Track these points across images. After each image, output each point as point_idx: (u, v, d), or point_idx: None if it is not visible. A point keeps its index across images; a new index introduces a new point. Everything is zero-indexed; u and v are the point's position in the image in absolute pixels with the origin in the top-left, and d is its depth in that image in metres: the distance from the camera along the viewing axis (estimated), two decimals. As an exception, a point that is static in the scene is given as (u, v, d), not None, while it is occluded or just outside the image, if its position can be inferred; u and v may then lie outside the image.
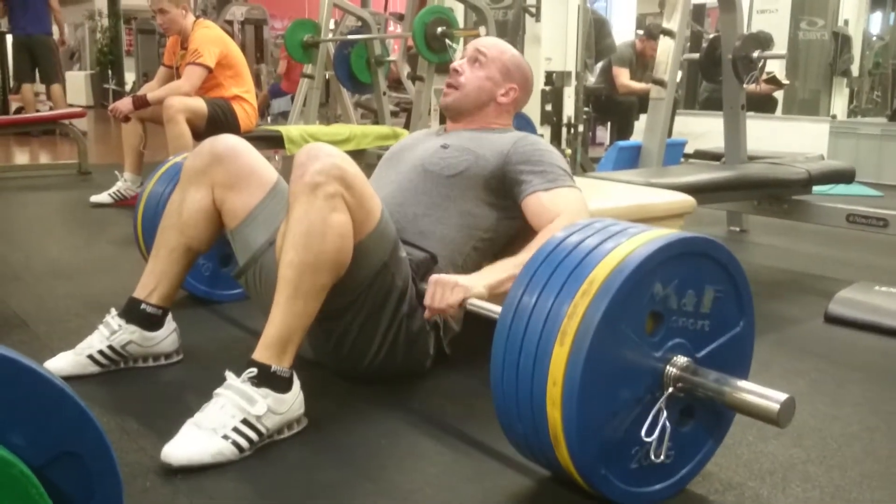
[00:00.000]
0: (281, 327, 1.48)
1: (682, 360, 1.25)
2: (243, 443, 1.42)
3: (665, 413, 1.23)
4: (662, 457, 1.24)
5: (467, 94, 1.99)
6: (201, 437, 1.40)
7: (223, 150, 1.80)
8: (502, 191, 1.85)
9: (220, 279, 2.39)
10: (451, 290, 1.60)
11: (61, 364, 1.73)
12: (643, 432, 1.22)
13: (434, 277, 1.64)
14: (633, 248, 1.20)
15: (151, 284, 1.80)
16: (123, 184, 4.16)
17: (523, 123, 3.64)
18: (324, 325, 1.63)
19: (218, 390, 1.46)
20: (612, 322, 1.16)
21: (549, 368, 1.17)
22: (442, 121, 5.27)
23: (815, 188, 3.25)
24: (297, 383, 1.52)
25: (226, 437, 1.40)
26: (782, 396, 1.18)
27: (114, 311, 1.80)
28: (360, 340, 1.69)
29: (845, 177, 3.36)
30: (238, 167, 1.79)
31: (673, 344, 1.26)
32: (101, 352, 1.76)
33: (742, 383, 1.23)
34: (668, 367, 1.25)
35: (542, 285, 1.23)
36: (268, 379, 1.46)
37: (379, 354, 1.71)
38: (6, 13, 7.18)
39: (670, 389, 1.24)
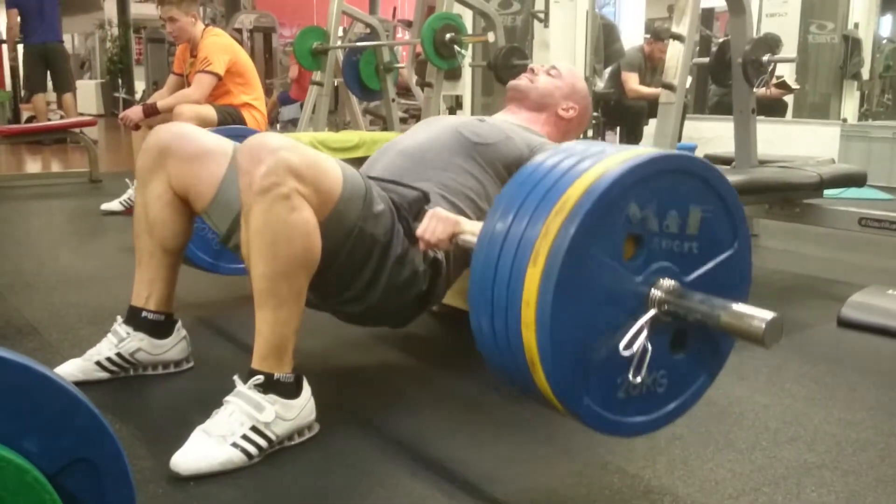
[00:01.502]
0: (271, 338, 1.46)
1: (667, 282, 1.21)
2: (252, 450, 1.42)
3: (646, 331, 1.18)
4: (640, 378, 1.19)
5: (537, 87, 2.07)
6: (210, 445, 1.40)
7: (169, 139, 1.75)
8: None
9: (226, 252, 2.36)
10: (444, 221, 1.55)
11: (70, 369, 1.74)
12: (621, 346, 1.17)
13: (431, 211, 1.59)
14: (605, 169, 1.16)
15: (145, 292, 1.79)
16: (134, 191, 4.18)
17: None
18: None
19: (227, 398, 1.47)
20: (584, 243, 1.12)
21: (523, 289, 1.13)
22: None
23: (827, 192, 3.23)
24: (307, 389, 1.52)
25: (235, 444, 1.41)
26: (769, 315, 1.13)
27: (120, 319, 1.80)
28: (350, 294, 1.64)
29: (857, 180, 3.34)
30: (189, 150, 1.74)
31: (657, 268, 1.21)
32: (109, 359, 1.77)
33: (727, 303, 1.18)
34: (652, 289, 1.20)
35: (517, 206, 1.19)
36: (273, 385, 1.46)
37: (366, 301, 1.65)
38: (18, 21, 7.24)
39: (654, 311, 1.19)
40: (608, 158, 1.19)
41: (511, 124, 1.97)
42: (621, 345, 1.18)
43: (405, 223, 1.65)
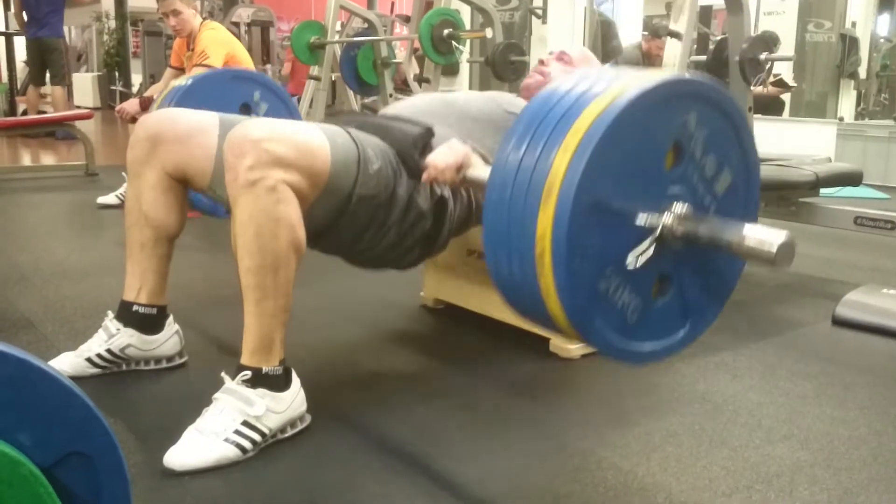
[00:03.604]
0: (259, 332, 1.46)
1: (684, 206, 1.19)
2: (246, 444, 1.42)
3: (658, 233, 1.17)
4: (637, 264, 1.16)
5: (550, 81, 1.99)
6: (203, 442, 1.40)
7: (156, 124, 1.74)
8: None
9: None
10: (456, 151, 1.48)
11: (61, 365, 1.74)
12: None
13: (449, 141, 1.54)
14: (663, 76, 1.17)
15: (136, 285, 1.78)
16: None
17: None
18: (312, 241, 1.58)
19: (216, 394, 1.47)
20: (650, 106, 1.12)
21: (574, 123, 1.11)
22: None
23: (823, 191, 3.23)
24: (296, 381, 1.52)
25: (228, 440, 1.41)
26: (781, 236, 1.13)
27: (111, 314, 1.80)
28: (360, 246, 1.64)
29: (853, 179, 3.34)
30: (179, 130, 1.73)
31: (681, 193, 1.20)
32: (99, 355, 1.76)
33: (740, 224, 1.18)
34: (669, 209, 1.19)
35: (537, 124, 1.17)
36: (261, 380, 1.46)
37: (375, 250, 1.65)
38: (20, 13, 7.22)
39: (668, 221, 1.18)
40: (657, 72, 1.19)
41: None
42: (633, 254, 1.15)
43: (411, 161, 1.61)
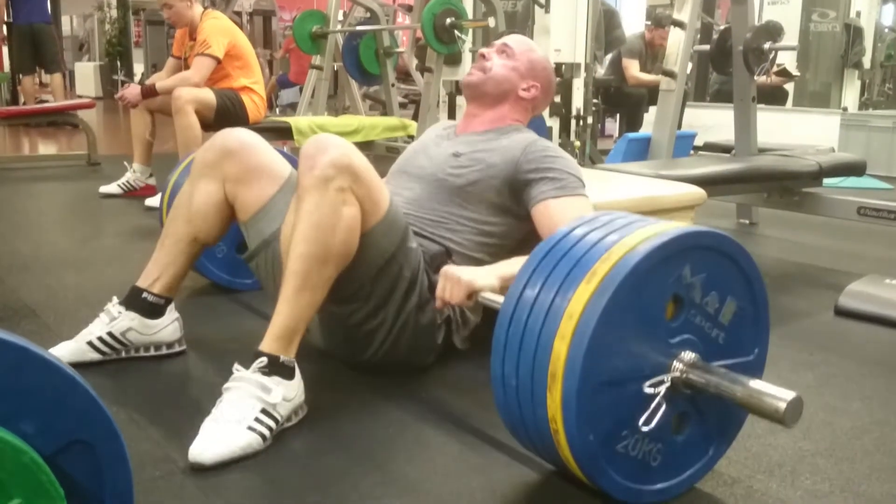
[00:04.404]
0: (288, 319, 1.49)
1: (692, 354, 1.23)
2: (266, 432, 1.43)
3: (666, 388, 1.20)
4: (650, 426, 1.19)
5: (491, 77, 1.97)
6: (226, 432, 1.39)
7: (235, 144, 1.80)
8: (514, 197, 1.84)
9: (242, 267, 2.34)
10: (458, 283, 1.59)
11: (62, 352, 1.74)
12: (645, 386, 1.18)
13: (444, 269, 1.64)
14: (672, 226, 1.21)
15: (155, 274, 1.80)
16: (132, 174, 4.17)
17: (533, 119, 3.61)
18: (330, 311, 1.65)
19: (229, 384, 1.47)
20: (641, 278, 1.14)
21: (567, 307, 1.14)
22: (450, 114, 5.27)
23: (826, 181, 3.23)
24: (297, 369, 1.54)
25: (251, 428, 1.41)
26: (790, 395, 1.16)
27: (115, 299, 1.80)
28: (365, 329, 1.69)
29: (856, 169, 3.34)
30: (250, 161, 1.79)
31: (687, 339, 1.24)
32: (100, 338, 1.77)
33: (749, 380, 1.21)
34: (677, 358, 1.23)
35: (547, 272, 1.20)
36: (277, 368, 1.47)
37: (384, 344, 1.71)
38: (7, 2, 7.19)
39: (676, 374, 1.21)
40: (668, 224, 1.22)
41: (483, 139, 1.93)
42: (644, 384, 1.18)
43: (428, 275, 1.72)
